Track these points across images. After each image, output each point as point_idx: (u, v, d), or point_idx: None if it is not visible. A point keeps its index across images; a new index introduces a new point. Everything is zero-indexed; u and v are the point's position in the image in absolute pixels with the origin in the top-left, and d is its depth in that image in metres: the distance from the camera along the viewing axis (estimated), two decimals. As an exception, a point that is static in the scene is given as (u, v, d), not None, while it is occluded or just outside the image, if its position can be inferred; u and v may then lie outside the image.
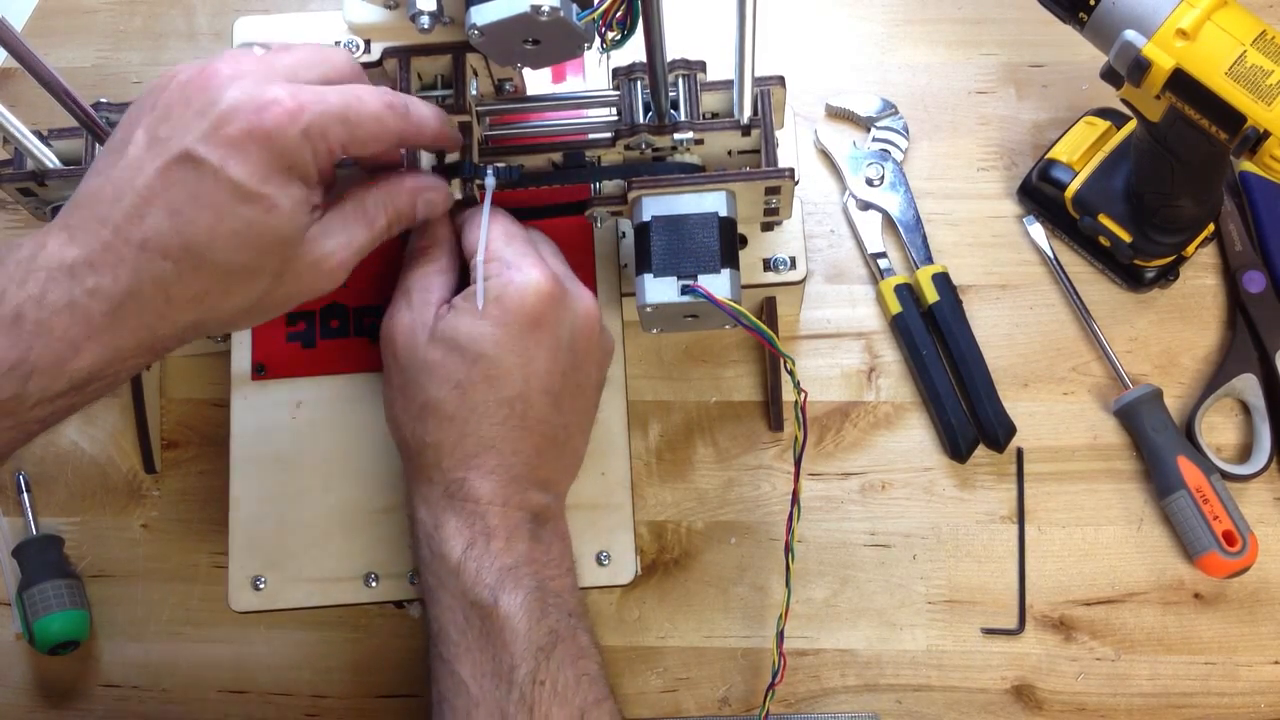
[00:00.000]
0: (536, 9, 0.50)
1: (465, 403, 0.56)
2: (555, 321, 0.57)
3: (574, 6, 0.51)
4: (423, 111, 0.55)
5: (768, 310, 0.70)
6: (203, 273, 0.49)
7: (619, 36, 0.54)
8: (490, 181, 0.59)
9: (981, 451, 0.70)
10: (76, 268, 0.47)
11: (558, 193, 0.64)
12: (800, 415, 0.60)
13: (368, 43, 0.59)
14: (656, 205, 0.61)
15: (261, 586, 0.64)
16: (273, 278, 0.51)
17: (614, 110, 0.63)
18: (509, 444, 0.57)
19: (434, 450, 0.57)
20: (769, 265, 0.68)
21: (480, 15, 0.52)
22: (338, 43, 0.59)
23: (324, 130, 0.49)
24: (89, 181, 0.50)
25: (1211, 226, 0.71)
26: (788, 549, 0.63)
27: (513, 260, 0.57)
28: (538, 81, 0.69)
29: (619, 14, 0.53)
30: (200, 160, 0.48)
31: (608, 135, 0.63)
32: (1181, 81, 0.57)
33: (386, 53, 0.59)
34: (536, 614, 0.54)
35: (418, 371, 0.57)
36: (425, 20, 0.54)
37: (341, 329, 0.67)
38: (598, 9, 0.52)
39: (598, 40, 0.54)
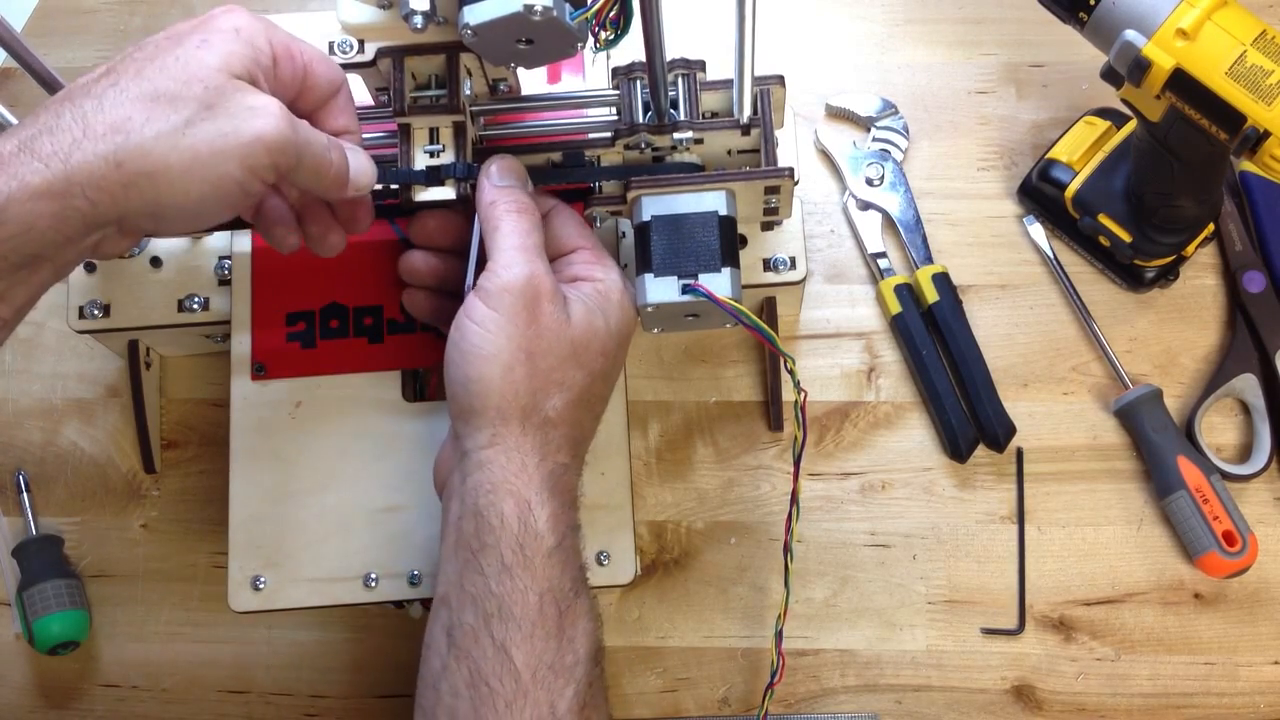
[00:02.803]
0: (529, 9, 0.50)
1: (591, 393, 0.57)
2: (633, 319, 0.60)
3: (567, 6, 0.51)
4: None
5: (768, 310, 0.70)
6: (123, 101, 0.47)
7: (612, 36, 0.54)
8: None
9: (981, 451, 0.70)
10: (6, 130, 0.48)
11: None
12: (800, 415, 0.60)
13: (361, 43, 0.59)
14: (656, 205, 0.61)
15: (261, 586, 0.64)
16: (196, 108, 0.48)
17: (613, 110, 0.63)
18: (590, 438, 0.59)
19: (555, 430, 0.55)
20: (769, 265, 0.68)
21: (473, 15, 0.52)
22: (331, 44, 0.59)
23: (285, 49, 0.52)
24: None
25: (1211, 226, 0.71)
26: (787, 549, 0.63)
27: (604, 260, 0.60)
28: (535, 81, 0.69)
29: (612, 13, 0.53)
30: (154, 37, 0.50)
31: (607, 135, 0.63)
32: (1181, 81, 0.57)
33: (380, 53, 0.59)
34: (598, 617, 0.54)
35: (570, 347, 0.56)
36: (418, 20, 0.54)
37: (341, 329, 0.67)
38: (591, 8, 0.52)
39: (591, 40, 0.54)
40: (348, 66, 0.59)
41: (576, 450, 0.57)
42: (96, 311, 0.68)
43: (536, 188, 0.61)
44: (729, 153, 0.64)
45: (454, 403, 0.56)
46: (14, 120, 0.61)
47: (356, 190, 0.56)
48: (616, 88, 0.62)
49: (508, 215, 0.57)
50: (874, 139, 0.77)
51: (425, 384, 0.67)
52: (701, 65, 0.63)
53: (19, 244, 0.46)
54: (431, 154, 0.60)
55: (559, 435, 0.55)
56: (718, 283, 0.59)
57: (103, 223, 0.48)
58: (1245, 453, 0.70)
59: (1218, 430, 0.71)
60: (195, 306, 0.68)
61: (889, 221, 0.75)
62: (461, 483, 0.54)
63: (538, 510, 0.53)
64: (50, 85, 0.57)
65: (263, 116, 0.49)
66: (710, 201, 0.61)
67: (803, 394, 0.60)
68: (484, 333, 0.54)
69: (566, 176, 0.63)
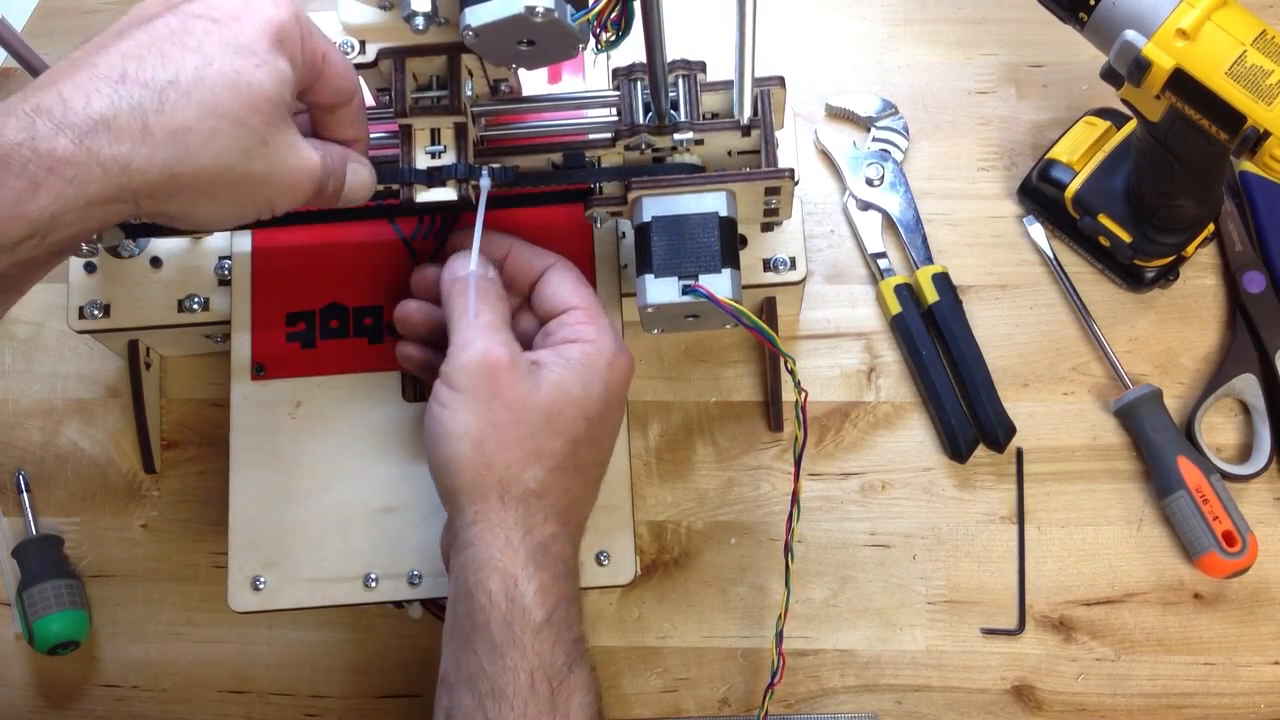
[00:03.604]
0: (531, 10, 0.50)
1: (577, 459, 0.56)
2: (624, 379, 0.59)
3: (568, 7, 0.51)
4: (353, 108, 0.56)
5: (768, 310, 0.70)
6: (189, 106, 0.46)
7: (614, 37, 0.54)
8: (485, 182, 0.59)
9: (981, 451, 0.70)
10: (42, 107, 0.44)
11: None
12: (800, 415, 0.60)
13: (363, 44, 0.59)
14: (656, 206, 0.61)
15: (261, 586, 0.64)
16: (254, 139, 0.49)
17: (614, 110, 0.63)
18: (588, 502, 0.59)
19: (540, 501, 0.55)
20: (769, 265, 0.68)
21: (475, 16, 0.52)
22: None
23: (311, 26, 0.51)
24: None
25: (1211, 226, 0.71)
26: (787, 549, 0.63)
27: (598, 320, 0.59)
28: (536, 82, 0.69)
29: (614, 15, 0.53)
30: (193, 17, 0.48)
31: (607, 136, 0.63)
32: (1181, 81, 0.57)
33: (381, 54, 0.59)
34: (596, 690, 0.54)
35: (542, 416, 0.55)
36: (420, 21, 0.54)
37: (341, 329, 0.67)
38: (592, 10, 0.52)
39: (593, 41, 0.54)
40: (348, 67, 0.59)
41: (567, 518, 0.56)
42: (96, 312, 0.68)
43: (516, 237, 0.62)
44: (729, 153, 0.64)
45: (436, 485, 0.56)
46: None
47: (347, 203, 0.56)
48: (617, 88, 0.62)
49: (463, 296, 0.57)
50: (874, 139, 0.77)
51: (425, 384, 0.67)
52: (702, 66, 0.63)
53: (64, 245, 0.47)
54: (433, 155, 0.60)
55: (544, 505, 0.55)
56: (718, 283, 0.59)
57: (131, 214, 0.48)
58: (1245, 453, 0.70)
59: (1218, 430, 0.71)
60: (195, 306, 0.68)
61: (889, 221, 0.75)
62: (455, 562, 0.55)
63: (524, 585, 0.53)
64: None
65: (306, 162, 0.51)
66: (710, 202, 0.61)
67: (803, 394, 0.60)
68: (449, 413, 0.54)
69: (567, 177, 0.63)
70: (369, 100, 0.64)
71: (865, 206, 0.76)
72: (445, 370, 0.55)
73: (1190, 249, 0.71)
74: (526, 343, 0.59)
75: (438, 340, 0.61)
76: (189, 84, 0.46)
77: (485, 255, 0.59)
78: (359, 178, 0.56)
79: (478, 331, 0.56)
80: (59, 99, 0.45)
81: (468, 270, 0.57)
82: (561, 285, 0.60)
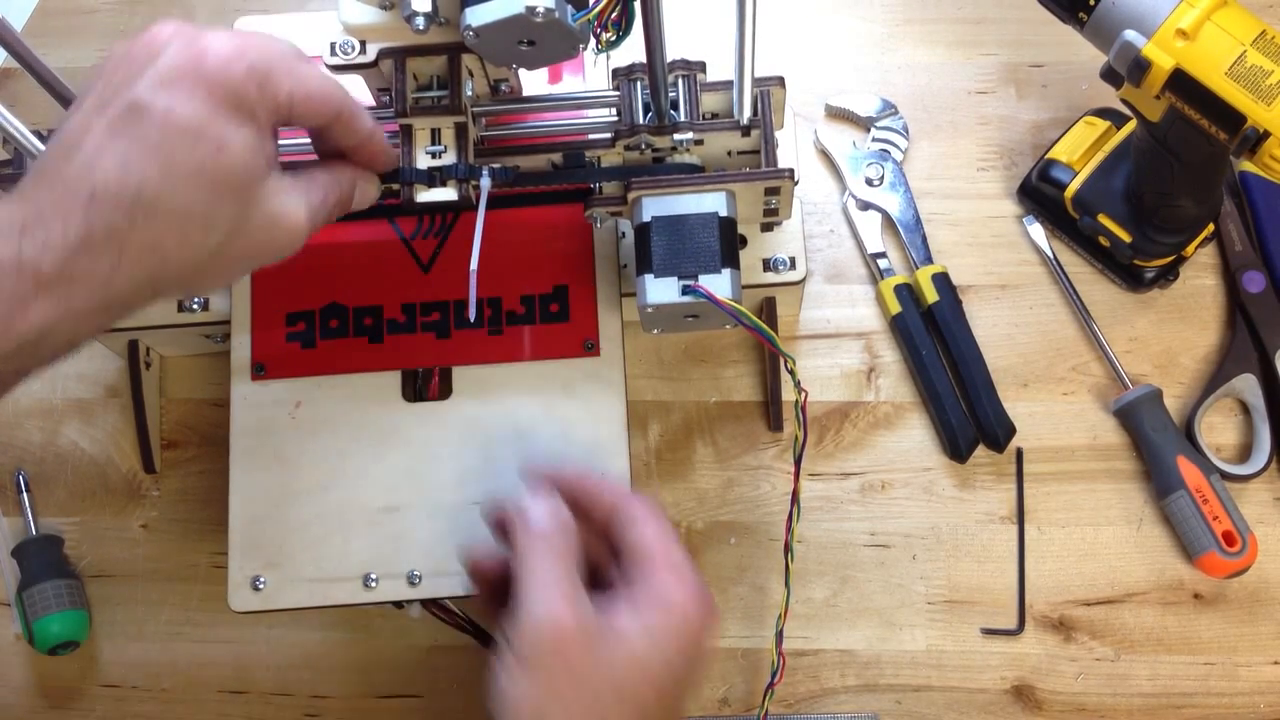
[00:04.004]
0: (531, 10, 0.50)
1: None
2: (708, 640, 0.53)
3: (569, 7, 0.51)
4: (356, 109, 0.54)
5: (767, 310, 0.70)
6: (156, 220, 0.47)
7: (614, 37, 0.54)
8: (485, 182, 0.59)
9: (981, 451, 0.70)
10: (26, 225, 0.45)
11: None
12: (800, 415, 0.60)
13: (363, 43, 0.59)
14: (656, 206, 0.61)
15: (261, 586, 0.64)
16: (229, 226, 0.49)
17: (614, 111, 0.63)
18: None
19: None
20: (769, 265, 0.68)
21: (475, 16, 0.52)
22: (333, 44, 0.59)
23: (268, 72, 0.48)
24: (43, 152, 0.48)
25: (1211, 226, 0.71)
26: (787, 549, 0.63)
27: (687, 578, 0.53)
28: (536, 82, 0.69)
29: (614, 15, 0.53)
30: (146, 107, 0.46)
31: (607, 136, 0.63)
32: (1181, 81, 0.57)
33: (382, 53, 0.59)
34: None
35: (612, 692, 0.50)
36: (420, 21, 0.54)
37: (341, 329, 0.67)
38: (593, 10, 0.52)
39: (593, 41, 0.54)
40: (349, 67, 0.59)
41: None
42: (96, 312, 0.68)
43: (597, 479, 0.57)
44: (729, 154, 0.64)
45: None
46: (14, 121, 0.61)
47: (354, 208, 0.57)
48: (617, 89, 0.62)
49: (539, 557, 0.51)
50: (874, 139, 0.77)
51: (425, 384, 0.67)
52: (702, 66, 0.63)
53: (58, 351, 0.48)
54: (433, 154, 0.60)
55: None
56: (718, 283, 0.59)
57: (123, 317, 0.49)
58: (1245, 453, 0.70)
59: (1217, 430, 0.71)
60: (195, 306, 0.68)
61: (889, 221, 0.75)
62: None
63: None
64: (50, 85, 0.57)
65: (291, 223, 0.51)
66: (710, 202, 0.61)
67: (803, 394, 0.60)
68: (510, 681, 0.49)
69: (567, 177, 0.63)
70: (370, 101, 0.64)
71: (865, 206, 0.76)
72: (510, 634, 0.50)
73: (1190, 249, 0.71)
74: (595, 570, 0.55)
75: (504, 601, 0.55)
76: (154, 194, 0.46)
77: (554, 485, 0.55)
78: (365, 196, 0.57)
79: (548, 593, 0.50)
80: (39, 218, 0.45)
81: (545, 525, 0.52)
82: (646, 527, 0.54)
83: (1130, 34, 0.57)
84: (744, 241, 0.67)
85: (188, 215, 0.47)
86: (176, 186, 0.47)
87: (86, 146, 0.46)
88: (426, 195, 0.60)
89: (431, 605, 0.67)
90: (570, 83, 0.70)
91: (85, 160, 0.46)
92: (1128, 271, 0.72)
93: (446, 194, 0.60)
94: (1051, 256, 0.74)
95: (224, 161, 0.47)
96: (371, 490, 0.65)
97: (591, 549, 0.55)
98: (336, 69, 0.59)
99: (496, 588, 0.55)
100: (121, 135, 0.46)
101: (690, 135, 0.62)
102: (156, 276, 0.48)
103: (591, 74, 0.70)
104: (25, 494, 0.74)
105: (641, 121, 0.62)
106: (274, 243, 0.51)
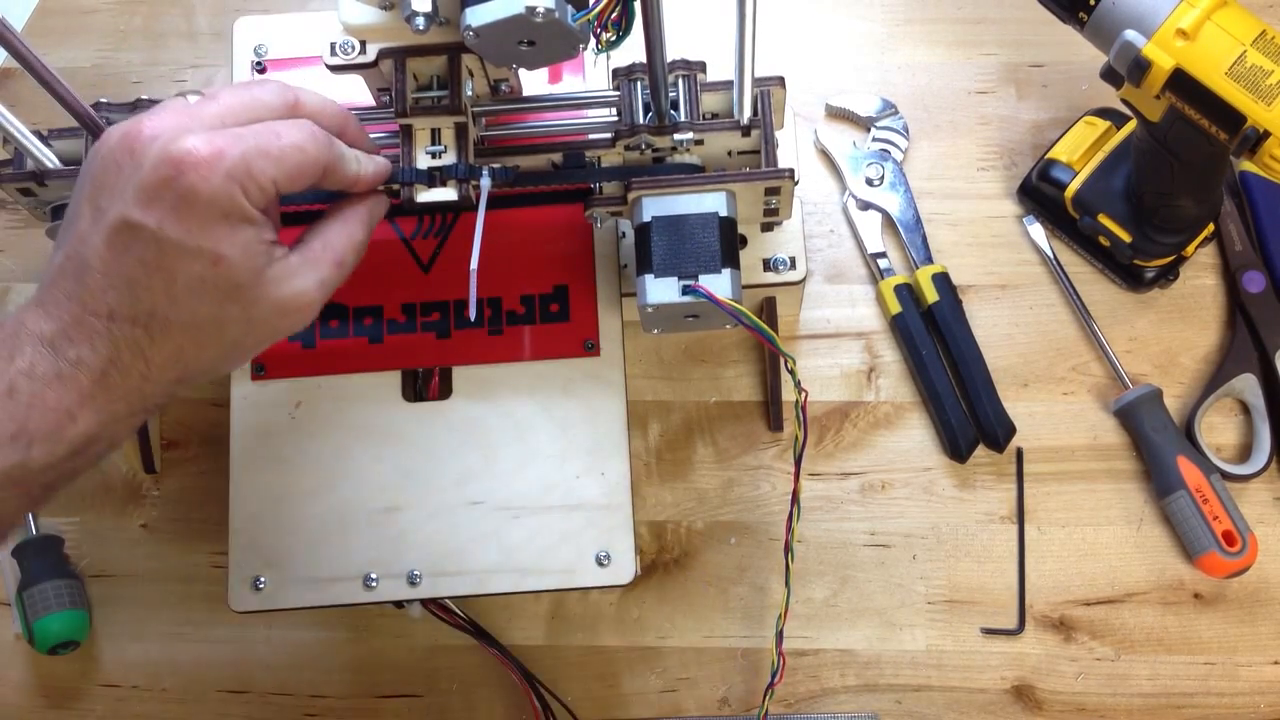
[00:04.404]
0: (531, 10, 0.50)
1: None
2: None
3: (569, 8, 0.51)
4: (343, 150, 0.54)
5: (768, 310, 0.70)
6: (172, 333, 0.50)
7: (614, 37, 0.54)
8: (486, 182, 0.59)
9: (981, 451, 0.70)
10: (56, 341, 0.49)
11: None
12: (800, 415, 0.60)
13: (363, 43, 0.59)
14: (656, 206, 0.61)
15: (261, 586, 0.64)
16: (241, 325, 0.51)
17: (614, 111, 0.63)
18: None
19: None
20: (769, 265, 0.68)
21: (475, 16, 0.52)
22: (333, 45, 0.58)
23: (248, 169, 0.49)
24: (53, 258, 0.51)
25: (1211, 226, 0.71)
26: (787, 549, 0.63)
27: None
28: (536, 82, 0.69)
29: (614, 15, 0.53)
30: (137, 226, 0.48)
31: (607, 136, 0.63)
32: (1181, 81, 0.57)
33: (382, 54, 0.59)
34: None
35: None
36: (420, 21, 0.54)
37: (341, 329, 0.67)
38: (593, 10, 0.52)
39: (593, 41, 0.54)
40: (349, 67, 0.59)
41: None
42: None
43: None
44: (729, 154, 0.64)
45: None
46: (14, 121, 0.61)
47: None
48: (617, 89, 0.62)
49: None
50: (874, 139, 0.77)
51: (425, 384, 0.67)
52: (702, 66, 0.63)
53: (101, 452, 0.51)
54: (433, 155, 0.60)
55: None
56: (718, 283, 0.59)
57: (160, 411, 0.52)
58: (1245, 453, 0.70)
59: (1218, 430, 0.71)
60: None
61: (889, 221, 0.75)
62: None
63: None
64: (50, 85, 0.56)
65: (302, 302, 0.52)
66: (710, 202, 0.61)
67: (803, 394, 0.60)
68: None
69: (567, 177, 0.63)
70: (370, 101, 0.64)
71: (865, 206, 0.76)
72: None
73: (1190, 249, 0.71)
74: None
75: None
76: (165, 313, 0.49)
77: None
78: (378, 215, 0.58)
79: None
80: (66, 336, 0.49)
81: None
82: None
83: (1130, 34, 0.57)
84: (744, 241, 0.67)
85: (199, 326, 0.50)
86: (183, 302, 0.49)
87: (94, 264, 0.49)
88: (426, 195, 0.60)
89: (431, 605, 0.67)
90: (570, 83, 0.70)
91: (94, 279, 0.49)
92: (1128, 271, 0.72)
93: (446, 194, 0.59)
94: (1051, 256, 0.74)
95: (223, 272, 0.49)
96: (371, 490, 0.65)
97: None
98: (336, 69, 0.59)
99: None
100: (123, 255, 0.48)
101: (690, 135, 0.62)
102: (183, 377, 0.52)
103: (591, 74, 0.70)
104: (25, 494, 0.73)
105: (641, 121, 0.62)
106: (288, 325, 0.53)
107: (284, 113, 0.53)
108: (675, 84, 0.62)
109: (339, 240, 0.55)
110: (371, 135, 0.62)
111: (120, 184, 0.49)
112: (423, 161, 0.60)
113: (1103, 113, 0.73)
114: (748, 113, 0.61)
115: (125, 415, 0.51)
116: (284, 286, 0.52)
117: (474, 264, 0.57)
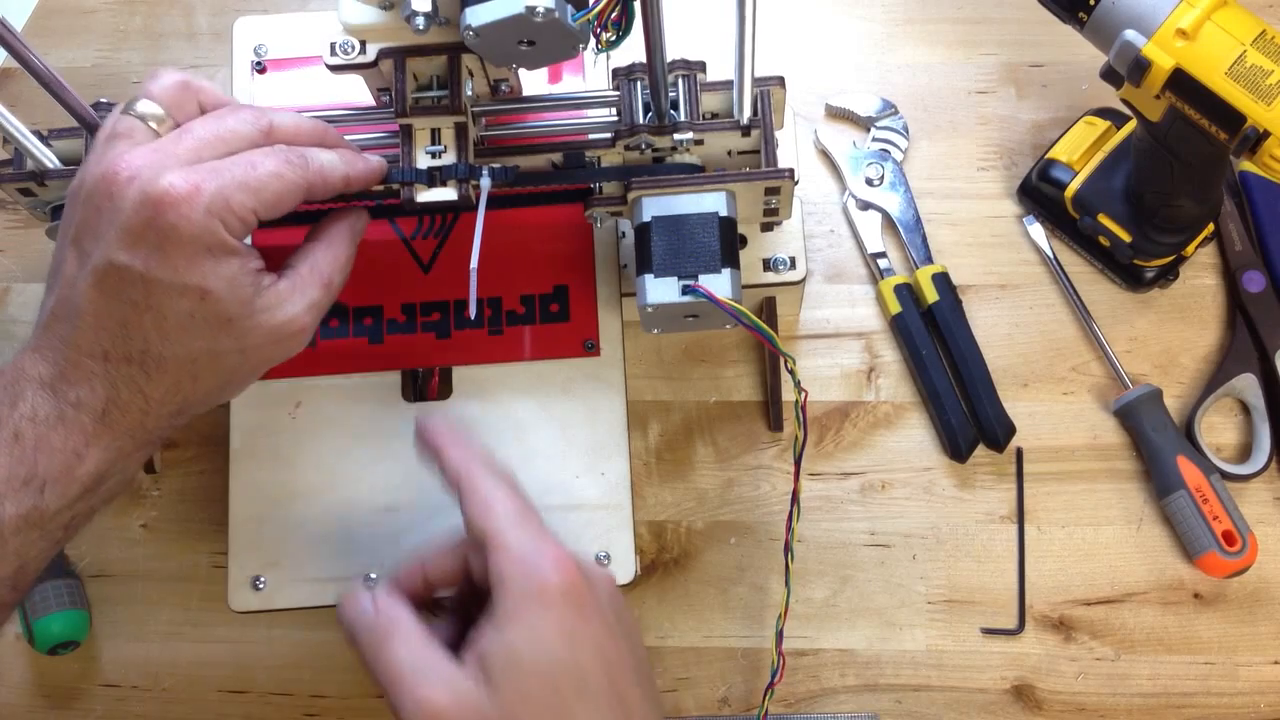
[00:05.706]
0: (531, 10, 0.50)
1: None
2: (578, 593, 0.49)
3: (569, 7, 0.51)
4: (322, 159, 0.54)
5: (767, 310, 0.70)
6: (167, 369, 0.50)
7: (615, 37, 0.54)
8: (486, 182, 0.59)
9: (981, 451, 0.70)
10: (56, 384, 0.50)
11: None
12: (800, 415, 0.60)
13: (363, 44, 0.59)
14: (656, 205, 0.61)
15: (261, 586, 0.64)
16: (235, 355, 0.52)
17: (613, 111, 0.63)
18: None
19: None
20: (769, 265, 0.68)
21: (475, 16, 0.52)
22: (333, 44, 0.58)
23: (227, 202, 0.49)
24: (45, 301, 0.52)
25: (1211, 226, 0.71)
26: (787, 549, 0.63)
27: (528, 550, 0.50)
28: (536, 82, 0.69)
29: (614, 15, 0.53)
30: (123, 268, 0.48)
31: (607, 136, 0.63)
32: (1181, 81, 0.57)
33: (382, 54, 0.59)
34: None
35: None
36: (420, 21, 0.54)
37: (341, 329, 0.67)
38: (593, 10, 0.52)
39: (593, 41, 0.54)
40: (349, 67, 0.59)
41: None
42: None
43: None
44: (729, 153, 0.64)
45: None
46: (14, 121, 0.61)
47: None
48: (617, 88, 0.62)
49: (383, 646, 0.50)
50: (874, 139, 0.77)
51: (425, 384, 0.67)
52: (702, 66, 0.63)
53: (114, 490, 0.53)
54: (433, 155, 0.60)
55: None
56: (718, 283, 0.59)
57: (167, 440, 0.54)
58: (1245, 453, 0.70)
59: (1217, 430, 0.71)
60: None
61: (889, 221, 0.75)
62: None
63: None
64: (50, 85, 0.56)
65: (292, 334, 0.53)
66: (710, 202, 0.61)
67: (803, 394, 0.60)
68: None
69: (567, 177, 0.63)
70: (370, 101, 0.64)
71: (865, 206, 0.76)
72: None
73: (1190, 249, 0.71)
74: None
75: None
76: (159, 348, 0.50)
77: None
78: (359, 229, 0.59)
79: (402, 685, 0.49)
80: (65, 379, 0.50)
81: (367, 618, 0.52)
82: (473, 503, 0.52)
83: (1130, 34, 0.57)
84: (744, 241, 0.67)
85: (193, 360, 0.51)
86: (175, 338, 0.50)
87: (84, 308, 0.49)
88: (426, 195, 0.60)
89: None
90: (570, 83, 0.70)
91: (85, 322, 0.50)
92: (1128, 271, 0.72)
93: (446, 194, 0.59)
94: (1051, 256, 0.74)
95: (211, 305, 0.50)
96: (371, 490, 0.65)
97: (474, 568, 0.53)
98: (336, 69, 0.59)
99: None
100: (112, 297, 0.49)
101: (690, 135, 0.62)
102: (183, 409, 0.53)
103: (591, 74, 0.70)
104: (25, 494, 0.73)
105: (641, 121, 0.62)
106: (284, 351, 0.54)
107: (259, 140, 0.53)
108: (675, 84, 0.62)
109: (325, 262, 0.55)
110: (371, 135, 0.62)
111: (102, 226, 0.49)
112: (423, 161, 0.60)
113: (1103, 113, 0.73)
114: (748, 113, 0.61)
115: (132, 450, 0.52)
116: (275, 314, 0.52)
117: (474, 264, 0.57)
